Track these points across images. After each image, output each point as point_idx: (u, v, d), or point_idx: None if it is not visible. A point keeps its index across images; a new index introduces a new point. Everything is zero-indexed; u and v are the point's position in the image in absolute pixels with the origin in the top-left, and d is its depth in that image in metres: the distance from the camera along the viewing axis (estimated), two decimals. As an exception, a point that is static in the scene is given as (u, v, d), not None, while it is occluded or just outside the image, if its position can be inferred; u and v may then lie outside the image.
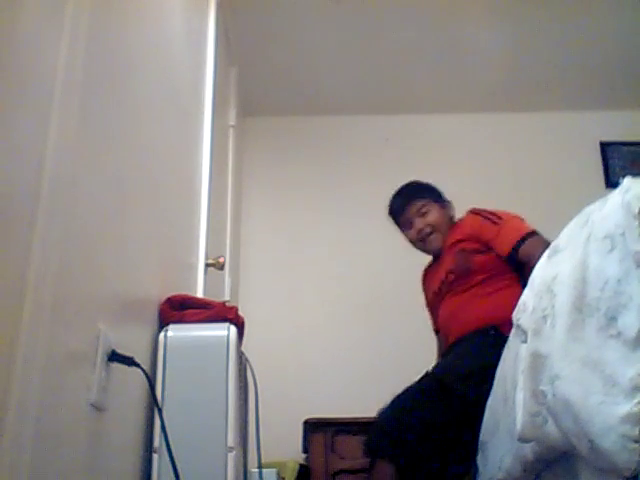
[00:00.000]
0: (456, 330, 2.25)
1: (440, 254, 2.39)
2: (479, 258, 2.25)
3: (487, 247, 2.25)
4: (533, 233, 2.21)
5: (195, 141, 2.48)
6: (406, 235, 2.46)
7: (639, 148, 3.94)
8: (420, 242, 2.41)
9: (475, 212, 2.36)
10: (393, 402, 2.04)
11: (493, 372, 1.75)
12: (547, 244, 2.12)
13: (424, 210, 2.39)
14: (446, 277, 2.33)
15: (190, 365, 1.62)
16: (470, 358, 2.07)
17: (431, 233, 2.38)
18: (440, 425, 1.93)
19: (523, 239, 2.19)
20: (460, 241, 2.30)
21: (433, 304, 2.45)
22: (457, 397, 1.95)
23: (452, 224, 2.41)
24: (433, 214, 2.39)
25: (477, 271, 2.24)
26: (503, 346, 1.69)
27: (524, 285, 2.07)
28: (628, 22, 3.40)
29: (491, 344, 1.98)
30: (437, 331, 2.50)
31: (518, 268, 2.20)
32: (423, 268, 2.54)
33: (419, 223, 2.39)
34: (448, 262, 2.32)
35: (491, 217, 2.30)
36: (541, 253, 2.10)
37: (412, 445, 1.92)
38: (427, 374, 2.14)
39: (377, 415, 2.06)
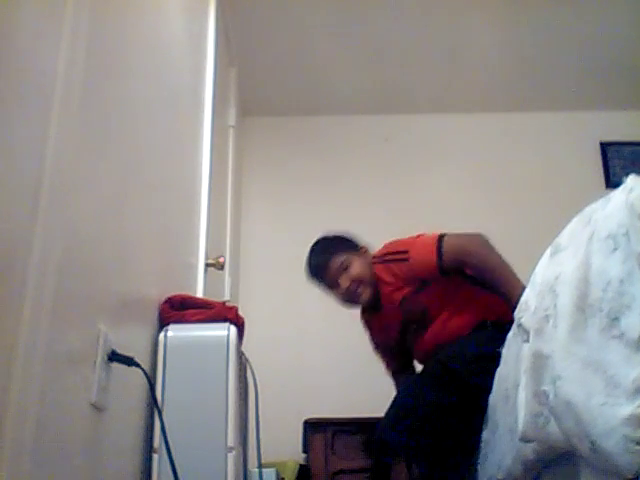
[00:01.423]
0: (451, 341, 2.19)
1: (376, 304, 2.28)
2: (424, 294, 2.16)
3: (427, 279, 2.15)
4: (442, 236, 2.14)
5: (195, 141, 2.47)
6: (334, 295, 2.35)
7: (639, 148, 3.94)
8: (350, 298, 2.30)
9: (380, 262, 2.24)
10: (398, 394, 2.03)
11: (495, 363, 1.74)
12: (461, 237, 2.13)
13: (345, 265, 2.26)
14: (406, 328, 2.24)
15: (190, 365, 1.61)
16: (471, 346, 2.03)
17: (359, 286, 2.25)
18: (446, 407, 1.89)
19: (439, 249, 2.11)
20: (396, 288, 2.19)
21: (397, 347, 2.36)
22: (461, 380, 1.91)
23: (375, 264, 2.27)
24: (355, 266, 2.25)
25: (433, 304, 2.16)
26: (504, 334, 1.66)
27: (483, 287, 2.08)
28: (628, 22, 3.40)
29: (490, 335, 1.96)
30: (394, 372, 2.45)
31: (457, 273, 2.14)
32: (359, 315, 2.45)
33: (344, 280, 2.26)
34: (395, 316, 2.23)
35: (397, 256, 2.20)
36: (469, 244, 2.10)
37: (420, 429, 1.89)
38: (427, 366, 2.12)
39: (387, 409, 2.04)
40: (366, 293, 2.25)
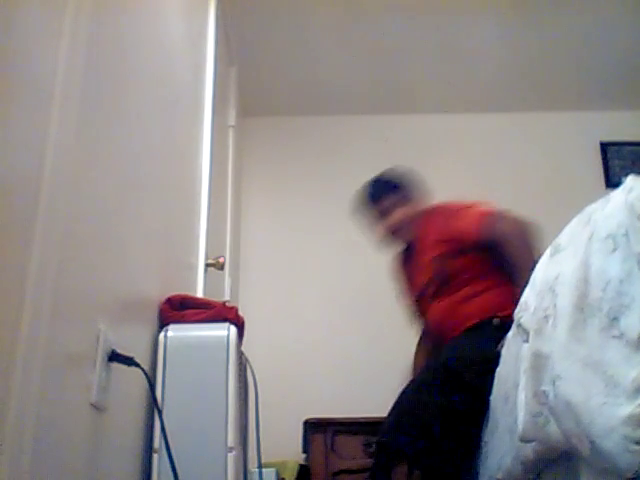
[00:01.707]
0: (453, 330, 2.21)
1: (412, 246, 2.35)
2: (458, 261, 2.20)
3: (465, 246, 2.19)
4: (495, 213, 2.17)
5: (195, 141, 2.47)
6: (372, 234, 2.45)
7: (639, 148, 3.94)
8: (387, 240, 2.41)
9: (440, 210, 2.31)
10: (401, 394, 2.02)
11: (496, 363, 1.73)
12: (511, 222, 2.13)
13: (388, 210, 2.36)
14: (427, 286, 2.28)
15: (190, 365, 1.61)
16: (474, 346, 2.02)
17: (396, 232, 2.36)
18: (450, 410, 1.88)
19: (491, 218, 2.15)
20: (436, 242, 2.24)
21: (415, 305, 2.42)
22: (463, 382, 1.90)
23: (422, 216, 2.35)
24: (395, 215, 2.35)
25: (459, 274, 2.19)
26: (506, 334, 1.66)
27: (512, 280, 2.07)
28: (628, 22, 3.40)
29: (492, 335, 1.95)
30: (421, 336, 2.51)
31: (493, 253, 2.14)
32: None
33: (382, 225, 2.37)
34: (426, 268, 2.27)
35: (452, 211, 2.26)
36: (516, 231, 2.10)
37: (423, 432, 1.88)
38: (428, 366, 2.12)
39: (390, 410, 2.04)
40: (403, 237, 2.35)
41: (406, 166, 2.56)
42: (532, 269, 2.00)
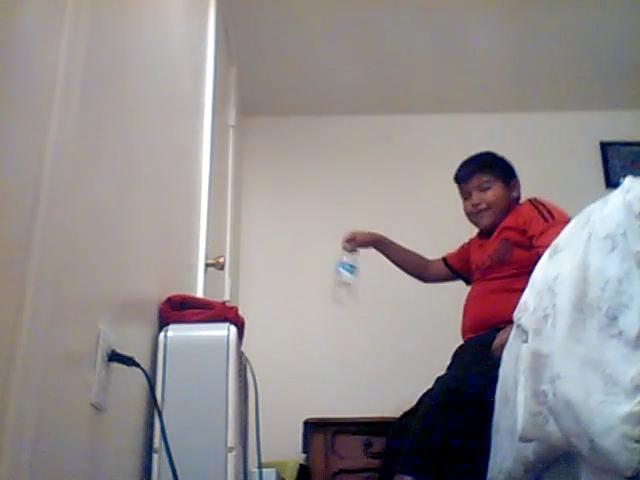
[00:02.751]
0: (473, 321, 2.24)
1: (491, 233, 2.38)
2: (519, 252, 2.21)
3: (529, 244, 2.21)
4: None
5: (195, 141, 2.47)
6: (463, 204, 2.47)
7: (639, 148, 3.94)
8: (473, 215, 2.43)
9: (533, 203, 2.31)
10: (417, 420, 2.02)
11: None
12: None
13: (486, 186, 2.39)
14: (484, 261, 2.33)
15: (190, 365, 1.61)
16: (483, 361, 2.04)
17: (485, 210, 2.38)
18: (464, 433, 1.92)
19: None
20: (508, 229, 2.28)
21: (468, 274, 2.48)
22: (474, 401, 1.93)
23: (512, 205, 2.39)
24: (493, 192, 2.38)
25: (512, 264, 2.21)
26: None
27: None
28: (628, 22, 3.39)
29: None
30: (444, 259, 2.62)
31: None
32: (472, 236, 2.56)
33: (476, 198, 2.39)
34: (492, 246, 2.32)
35: (544, 212, 2.24)
36: None
37: (440, 457, 1.91)
38: (439, 381, 2.13)
39: (405, 431, 2.04)
40: (488, 218, 2.38)
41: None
42: None
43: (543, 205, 2.27)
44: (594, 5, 3.30)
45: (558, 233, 2.18)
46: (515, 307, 2.08)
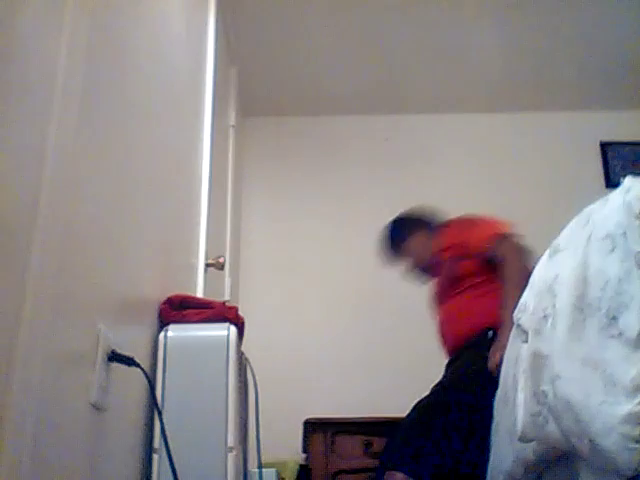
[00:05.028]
0: (451, 339, 2.28)
1: (432, 271, 2.45)
2: (465, 263, 2.27)
3: (471, 252, 2.27)
4: (509, 235, 2.24)
5: (195, 141, 2.47)
6: (401, 270, 2.60)
7: (639, 148, 3.94)
8: (415, 274, 2.55)
9: (454, 222, 2.44)
10: (408, 416, 2.07)
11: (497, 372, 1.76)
12: (520, 248, 2.20)
13: (405, 254, 2.52)
14: (437, 287, 2.40)
15: (190, 365, 1.61)
16: (470, 366, 2.09)
17: (417, 267, 2.50)
18: (458, 434, 1.95)
19: (497, 238, 2.23)
20: (444, 250, 2.35)
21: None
22: (464, 401, 1.98)
23: (434, 233, 2.47)
24: (412, 253, 2.50)
25: (465, 276, 2.27)
26: None
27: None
28: (628, 22, 3.39)
29: (491, 344, 2.00)
30: None
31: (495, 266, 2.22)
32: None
33: (405, 266, 2.54)
34: (442, 271, 2.38)
35: (468, 222, 2.38)
36: (514, 256, 2.16)
37: (432, 456, 1.94)
38: (436, 390, 2.15)
39: (398, 431, 2.07)
40: (424, 271, 2.48)
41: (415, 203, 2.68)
42: (519, 294, 2.11)
43: (462, 219, 2.42)
44: (594, 5, 3.30)
45: (491, 227, 2.28)
46: (490, 305, 2.12)
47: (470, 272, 2.26)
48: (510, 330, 1.94)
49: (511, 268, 2.14)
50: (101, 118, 1.28)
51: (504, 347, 1.83)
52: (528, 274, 2.08)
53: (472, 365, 2.08)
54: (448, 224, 2.45)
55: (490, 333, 2.09)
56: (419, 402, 2.09)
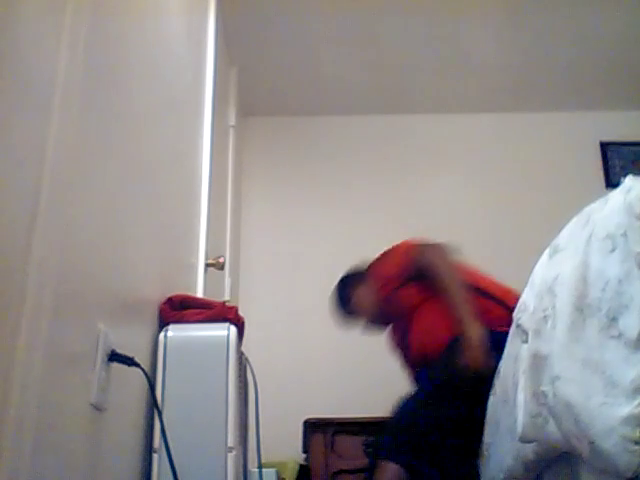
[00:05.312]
0: (420, 360, 2.23)
1: (385, 318, 2.42)
2: (401, 291, 2.25)
3: (399, 278, 2.26)
4: (419, 245, 2.26)
5: (195, 141, 2.47)
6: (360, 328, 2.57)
7: (639, 148, 3.94)
8: (371, 327, 2.51)
9: (373, 263, 2.40)
10: (400, 407, 2.06)
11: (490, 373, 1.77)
12: (436, 246, 2.22)
13: (355, 309, 2.48)
14: (395, 330, 2.36)
15: (190, 365, 1.61)
16: (454, 360, 2.06)
17: (372, 321, 2.46)
18: (447, 421, 1.95)
19: (412, 251, 2.24)
20: (379, 291, 2.32)
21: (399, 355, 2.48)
22: (454, 394, 1.97)
23: (369, 283, 2.43)
24: (361, 307, 2.45)
25: (408, 302, 2.24)
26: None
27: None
28: (628, 22, 3.40)
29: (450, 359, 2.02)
30: None
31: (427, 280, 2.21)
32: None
33: (360, 320, 2.50)
34: (391, 308, 2.35)
35: (381, 255, 2.37)
36: (436, 256, 2.19)
37: (421, 444, 1.94)
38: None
39: (387, 419, 2.07)
40: (378, 322, 2.44)
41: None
42: (459, 283, 2.12)
43: (376, 258, 2.39)
44: (594, 5, 3.30)
45: (405, 245, 2.29)
46: (445, 316, 2.11)
47: (411, 295, 2.23)
48: (473, 324, 1.99)
49: (441, 268, 2.16)
50: (101, 119, 1.28)
51: (477, 340, 1.90)
52: (457, 266, 2.18)
53: (453, 365, 2.04)
54: (370, 267, 2.42)
55: (454, 342, 2.05)
56: (407, 395, 2.10)
